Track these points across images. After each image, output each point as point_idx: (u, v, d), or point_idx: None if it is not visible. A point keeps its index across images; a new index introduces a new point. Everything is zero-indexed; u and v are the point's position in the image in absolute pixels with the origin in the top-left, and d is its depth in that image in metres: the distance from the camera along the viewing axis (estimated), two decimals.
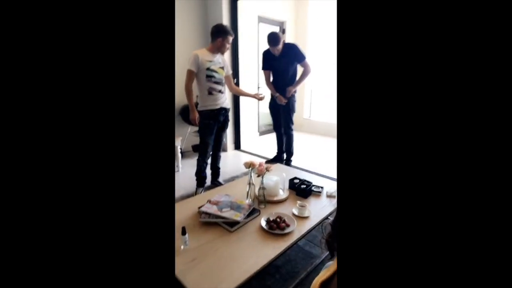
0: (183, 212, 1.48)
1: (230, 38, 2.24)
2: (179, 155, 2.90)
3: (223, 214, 1.37)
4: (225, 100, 2.38)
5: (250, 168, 1.55)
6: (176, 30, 3.11)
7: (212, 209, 1.41)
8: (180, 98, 3.21)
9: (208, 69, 2.20)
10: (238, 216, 1.35)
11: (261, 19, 4.00)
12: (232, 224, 1.33)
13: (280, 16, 4.34)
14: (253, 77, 4.05)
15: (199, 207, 1.47)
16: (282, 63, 2.72)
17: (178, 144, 2.86)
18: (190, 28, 3.26)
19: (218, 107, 2.31)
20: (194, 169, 2.66)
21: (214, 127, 2.34)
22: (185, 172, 2.90)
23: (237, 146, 3.83)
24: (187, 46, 3.21)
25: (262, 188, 1.53)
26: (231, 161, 3.37)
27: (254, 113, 4.21)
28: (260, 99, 2.53)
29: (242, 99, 3.68)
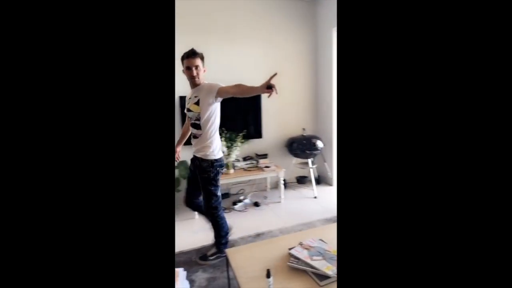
0: (272, 251, 1.45)
1: (185, 62, 1.69)
2: (282, 186, 2.95)
3: (313, 263, 1.25)
4: (198, 147, 1.79)
5: None
6: (286, 65, 3.30)
7: (302, 255, 1.32)
8: (288, 130, 3.34)
9: (187, 109, 1.82)
10: (329, 269, 1.20)
11: None
12: (322, 277, 1.19)
13: None
14: None
15: (290, 249, 1.40)
16: None
17: (282, 175, 2.92)
18: (299, 60, 3.40)
19: (192, 155, 1.88)
20: (297, 202, 2.59)
21: (192, 176, 1.94)
22: (286, 203, 2.90)
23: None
24: (301, 83, 3.35)
25: None
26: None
27: None
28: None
29: None
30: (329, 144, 3.27)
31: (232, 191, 3.20)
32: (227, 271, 1.55)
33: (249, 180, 3.16)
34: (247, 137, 2.92)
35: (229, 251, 1.47)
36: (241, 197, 2.98)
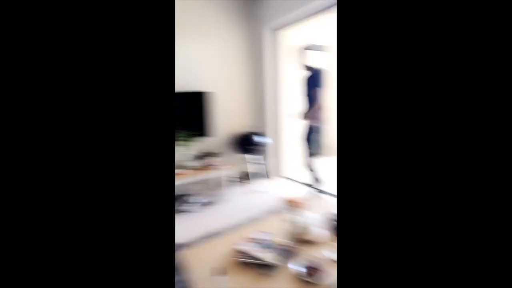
0: (222, 248, 1.56)
1: None
2: (231, 183, 3.07)
3: (260, 255, 1.42)
4: None
5: (288, 205, 1.59)
6: (212, 64, 3.40)
7: (249, 248, 1.48)
8: (236, 127, 3.47)
9: None
10: (274, 259, 1.39)
11: (309, 47, 4.03)
12: (270, 267, 1.37)
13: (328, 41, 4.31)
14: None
15: (238, 244, 1.54)
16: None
17: (232, 172, 3.04)
18: (226, 61, 3.52)
19: None
20: (247, 197, 2.66)
21: None
22: (237, 200, 3.05)
23: (281, 172, 3.84)
24: (227, 82, 3.48)
25: (297, 227, 1.54)
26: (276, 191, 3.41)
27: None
28: None
29: (283, 118, 3.74)
30: (276, 140, 3.53)
31: (184, 192, 3.23)
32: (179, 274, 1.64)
33: (200, 180, 3.22)
34: (197, 136, 2.99)
35: (180, 254, 1.55)
36: (193, 198, 3.04)
